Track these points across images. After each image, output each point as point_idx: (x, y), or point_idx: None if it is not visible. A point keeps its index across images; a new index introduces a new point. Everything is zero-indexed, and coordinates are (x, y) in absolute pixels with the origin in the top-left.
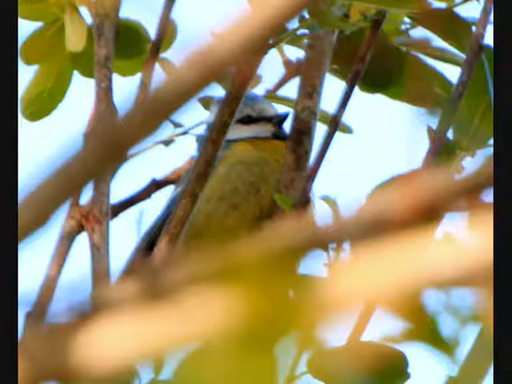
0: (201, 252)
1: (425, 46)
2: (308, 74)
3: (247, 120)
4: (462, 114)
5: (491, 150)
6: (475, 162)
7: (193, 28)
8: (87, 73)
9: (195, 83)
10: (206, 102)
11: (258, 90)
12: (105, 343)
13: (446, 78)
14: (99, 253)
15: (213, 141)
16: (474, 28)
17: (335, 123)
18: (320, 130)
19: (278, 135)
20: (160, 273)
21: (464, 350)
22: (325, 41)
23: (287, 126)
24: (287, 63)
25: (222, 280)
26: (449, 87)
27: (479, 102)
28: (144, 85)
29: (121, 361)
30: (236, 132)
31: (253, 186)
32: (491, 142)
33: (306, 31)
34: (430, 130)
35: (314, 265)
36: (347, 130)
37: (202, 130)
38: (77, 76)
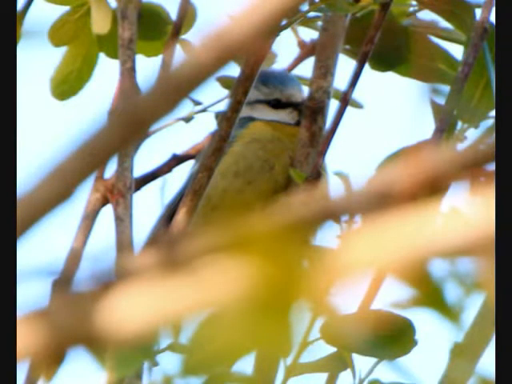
0: (217, 223)
1: (432, 27)
2: (322, 56)
3: (275, 104)
4: (465, 90)
5: (492, 121)
6: (477, 133)
7: (211, 11)
8: (112, 54)
9: (213, 63)
10: (224, 81)
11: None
12: (127, 309)
13: (452, 56)
14: (123, 224)
15: (227, 118)
16: (478, 11)
17: (345, 100)
18: (333, 106)
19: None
20: (178, 243)
21: (469, 316)
22: (338, 23)
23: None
24: (302, 44)
25: (237, 249)
26: (454, 64)
27: (481, 77)
28: (165, 65)
29: (142, 326)
30: (262, 112)
31: (267, 163)
32: (492, 113)
33: (319, 14)
34: (436, 105)
35: (327, 236)
36: (357, 105)
37: (220, 107)
38: (102, 57)
